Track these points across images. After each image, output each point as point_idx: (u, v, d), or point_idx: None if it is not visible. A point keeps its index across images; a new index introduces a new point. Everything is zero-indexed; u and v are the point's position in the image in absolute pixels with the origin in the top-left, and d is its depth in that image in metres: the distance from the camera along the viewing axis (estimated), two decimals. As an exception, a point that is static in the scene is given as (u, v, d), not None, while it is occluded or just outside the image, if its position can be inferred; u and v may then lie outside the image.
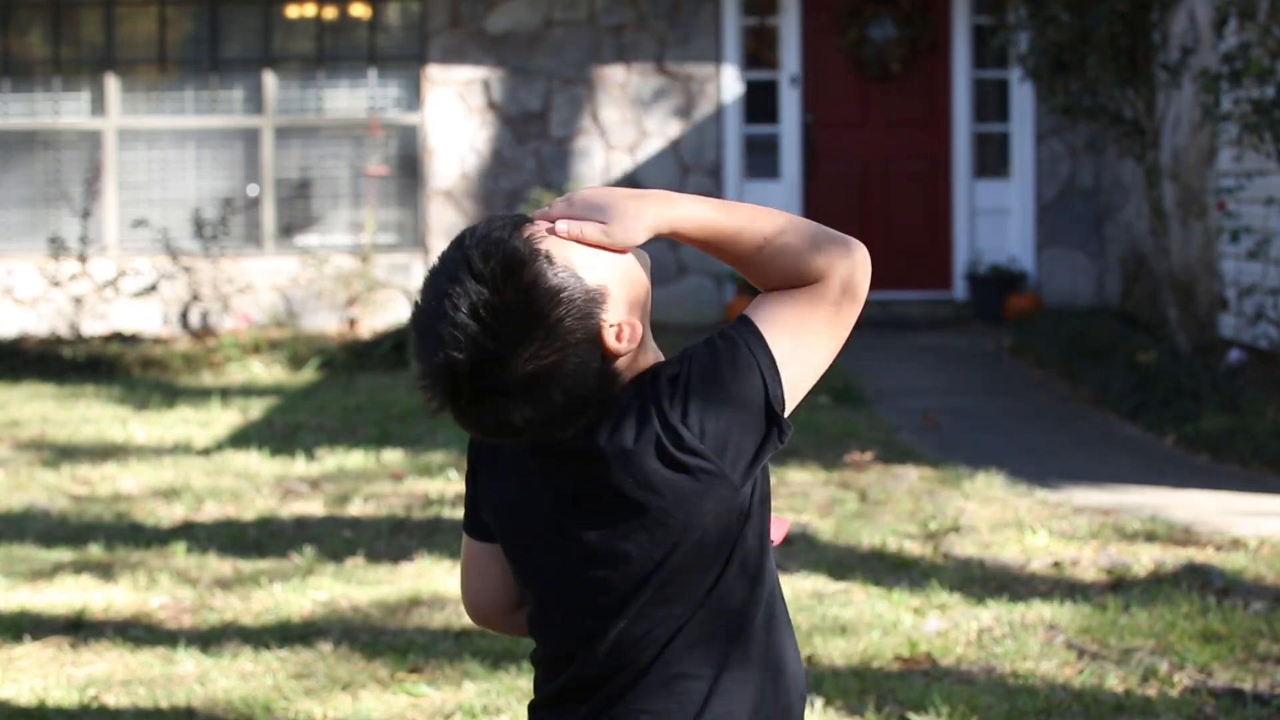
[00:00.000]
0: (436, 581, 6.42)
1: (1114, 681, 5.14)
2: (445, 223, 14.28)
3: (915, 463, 8.41)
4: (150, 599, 6.32)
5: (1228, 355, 10.66)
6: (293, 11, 14.55)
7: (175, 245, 13.71)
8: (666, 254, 13.90)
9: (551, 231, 2.28)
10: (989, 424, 9.77)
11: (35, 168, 14.48)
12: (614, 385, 2.30)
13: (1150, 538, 6.84)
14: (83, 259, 13.44)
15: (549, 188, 13.84)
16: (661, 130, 14.27)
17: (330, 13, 14.52)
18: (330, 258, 14.09)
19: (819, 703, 4.97)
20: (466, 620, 5.90)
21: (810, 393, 2.36)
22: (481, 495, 2.46)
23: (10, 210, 14.46)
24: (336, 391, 11.37)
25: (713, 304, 14.20)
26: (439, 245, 13.85)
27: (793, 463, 8.40)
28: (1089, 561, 6.48)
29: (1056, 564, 6.46)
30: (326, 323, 14.14)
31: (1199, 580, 6.14)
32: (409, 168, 14.42)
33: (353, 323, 13.96)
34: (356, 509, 7.73)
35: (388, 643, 5.68)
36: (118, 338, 13.45)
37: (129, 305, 13.88)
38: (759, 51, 14.50)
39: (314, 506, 7.83)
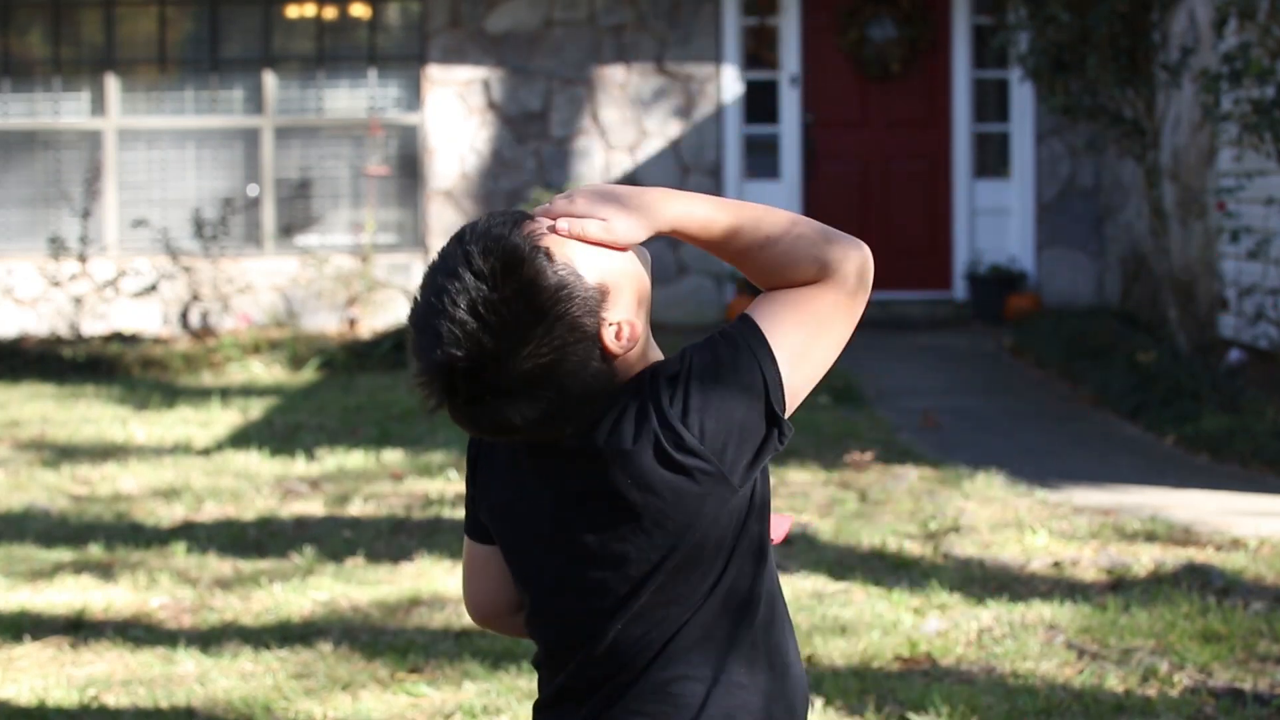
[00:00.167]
0: (436, 581, 6.42)
1: (1114, 681, 5.14)
2: (445, 223, 14.28)
3: (915, 463, 8.41)
4: (150, 599, 6.32)
5: (1228, 355, 10.66)
6: (293, 11, 14.55)
7: (175, 245, 13.71)
8: (666, 254, 13.90)
9: (552, 229, 2.27)
10: (989, 424, 9.77)
11: (35, 168, 14.48)
12: (612, 384, 2.28)
13: (1150, 538, 6.84)
14: (83, 259, 13.44)
15: (549, 188, 13.84)
16: (661, 130, 14.27)
17: (330, 13, 14.52)
18: (330, 258, 14.09)
19: (819, 703, 4.97)
20: (466, 620, 5.90)
21: (810, 393, 2.34)
22: (480, 496, 2.45)
23: (10, 210, 14.46)
24: (336, 391, 11.37)
25: (713, 304, 14.20)
26: (439, 245, 13.77)
27: (793, 463, 8.40)
28: (1089, 561, 6.48)
29: (1056, 564, 6.46)
30: (326, 323, 14.14)
31: (1199, 580, 6.14)
32: (409, 168, 14.42)
33: (353, 323, 13.96)
34: (356, 509, 7.73)
35: (388, 643, 5.68)
36: (118, 338, 13.45)
37: (129, 305, 13.88)
38: (759, 51, 14.50)
39: (314, 506, 7.83)
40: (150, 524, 7.53)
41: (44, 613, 6.17)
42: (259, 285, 14.23)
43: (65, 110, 14.49)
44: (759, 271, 2.34)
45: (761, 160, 14.43)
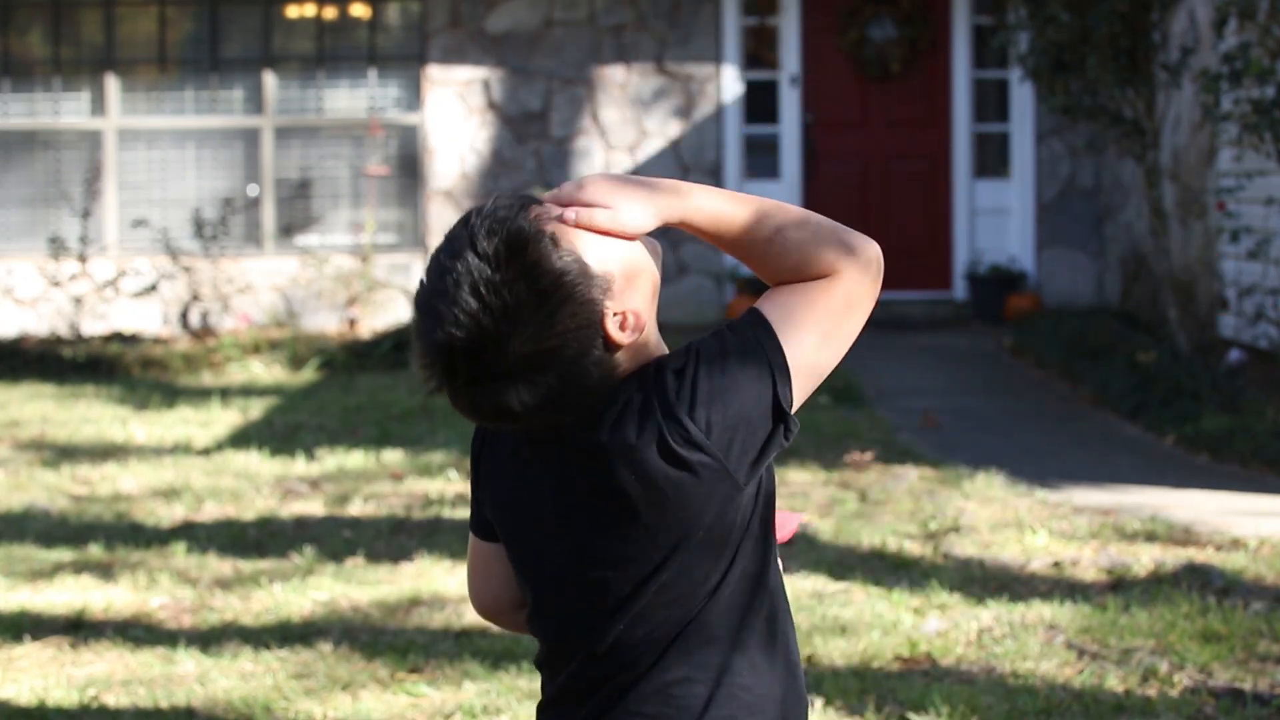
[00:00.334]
0: (436, 581, 6.42)
1: (1114, 681, 5.14)
2: (445, 223, 14.27)
3: (915, 463, 8.41)
4: (150, 599, 6.32)
5: (1228, 355, 10.66)
6: (293, 11, 14.55)
7: (175, 245, 13.71)
8: (666, 254, 13.84)
9: (560, 219, 2.25)
10: (989, 424, 9.77)
11: (35, 168, 14.48)
12: (615, 375, 2.26)
13: (1150, 538, 6.84)
14: (83, 259, 13.44)
15: (549, 188, 13.81)
16: (661, 130, 14.27)
17: (330, 13, 14.52)
18: (330, 258, 14.09)
19: (819, 703, 4.97)
20: (467, 620, 5.90)
21: (811, 393, 2.34)
22: (483, 493, 2.44)
23: (10, 210, 14.46)
24: (336, 391, 11.37)
25: (713, 304, 14.20)
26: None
27: (793, 463, 8.40)
28: (1089, 561, 6.48)
29: (1056, 564, 6.46)
30: (326, 323, 14.14)
31: (1199, 580, 6.14)
32: (409, 168, 14.42)
33: (353, 323, 13.96)
34: (356, 509, 7.73)
35: (388, 643, 5.68)
36: (118, 338, 13.45)
37: (129, 305, 13.88)
38: (759, 51, 14.50)
39: (314, 506, 7.83)
40: (150, 524, 7.53)
41: (44, 613, 6.17)
42: (259, 285, 14.23)
43: (65, 110, 14.49)
44: (767, 266, 2.31)
45: (761, 160, 14.42)
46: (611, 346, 2.25)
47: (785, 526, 2.51)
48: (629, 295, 2.27)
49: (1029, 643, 5.51)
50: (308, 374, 12.39)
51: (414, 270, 14.20)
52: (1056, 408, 10.35)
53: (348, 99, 14.50)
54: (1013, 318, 13.59)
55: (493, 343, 2.20)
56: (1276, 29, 9.32)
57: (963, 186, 14.36)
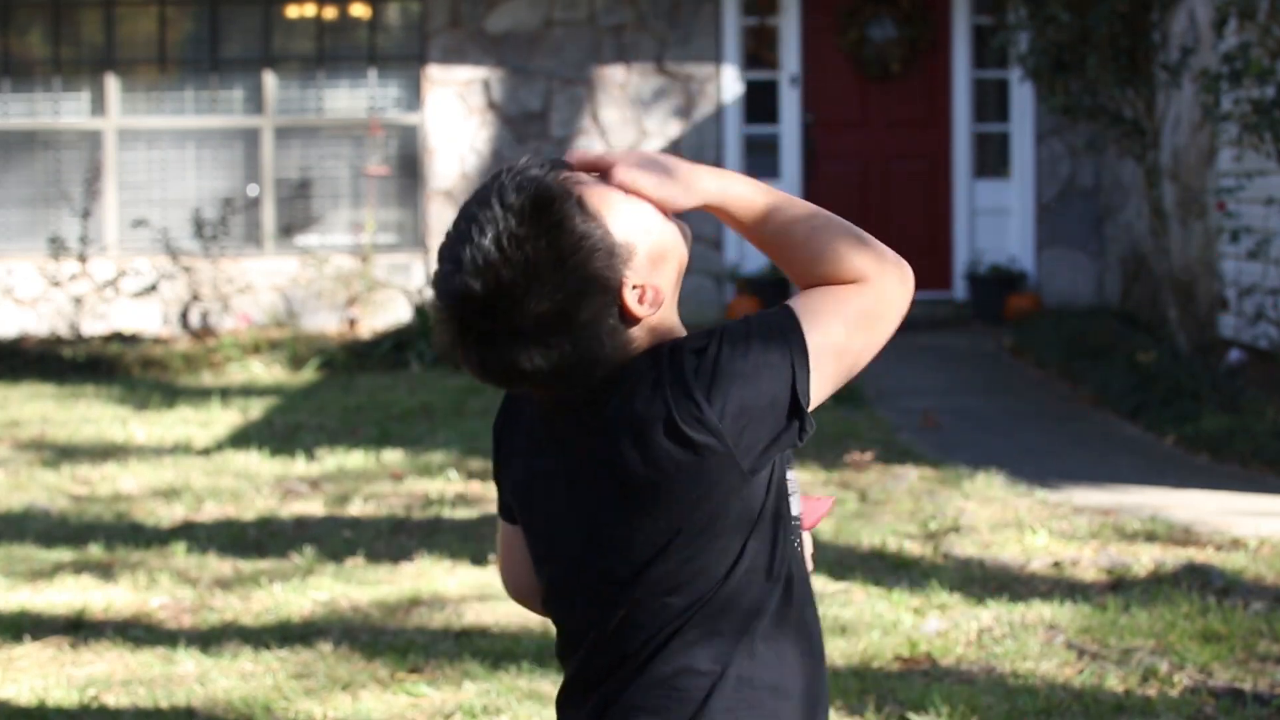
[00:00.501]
0: (436, 581, 6.42)
1: (1114, 681, 5.14)
2: (445, 223, 14.27)
3: (915, 463, 8.41)
4: (150, 599, 6.32)
5: (1228, 355, 10.66)
6: (293, 11, 14.55)
7: (175, 245, 13.71)
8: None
9: (604, 175, 2.27)
10: (989, 424, 9.77)
11: (35, 168, 14.48)
12: (628, 350, 2.26)
13: (1150, 538, 6.84)
14: (83, 259, 13.44)
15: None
16: (661, 130, 14.27)
17: (330, 13, 14.52)
18: (330, 258, 14.09)
19: (819, 703, 4.97)
20: (467, 620, 5.91)
21: (827, 397, 2.31)
22: (503, 475, 2.44)
23: (10, 210, 14.46)
24: (336, 391, 11.37)
25: (713, 304, 14.20)
26: (439, 245, 13.84)
27: (793, 462, 8.39)
28: (1089, 561, 6.48)
29: (1056, 564, 6.46)
30: (326, 323, 14.14)
31: (1199, 580, 6.14)
32: (409, 168, 14.42)
33: (353, 323, 13.96)
34: (356, 509, 7.73)
35: (388, 643, 5.68)
36: (118, 338, 13.45)
37: (129, 305, 13.88)
38: (759, 51, 14.50)
39: (314, 506, 7.83)
40: (150, 524, 7.53)
41: (44, 613, 6.17)
42: (259, 285, 14.23)
43: (65, 110, 14.49)
44: (797, 267, 2.31)
45: (761, 160, 14.42)
46: (628, 319, 2.25)
47: (814, 512, 2.48)
48: (652, 272, 2.27)
49: (1029, 643, 5.51)
50: (308, 374, 12.39)
51: (414, 270, 14.20)
52: (1056, 408, 10.35)
53: (348, 99, 14.50)
54: (1013, 318, 13.59)
55: (508, 298, 2.21)
56: (1276, 29, 9.32)
57: (963, 186, 14.36)
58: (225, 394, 11.31)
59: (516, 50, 14.30)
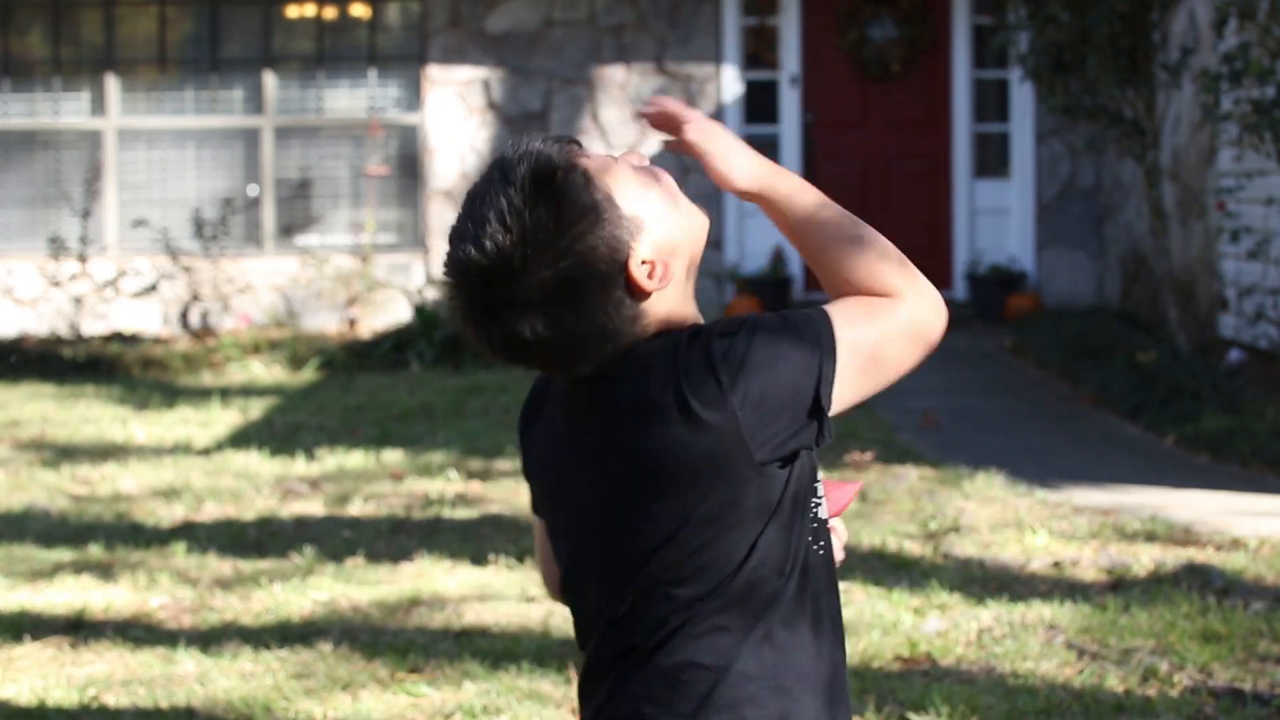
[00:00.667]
0: (436, 581, 6.42)
1: (1114, 681, 5.14)
2: (445, 223, 14.27)
3: (915, 463, 8.41)
4: (150, 599, 6.32)
5: (1228, 355, 10.66)
6: (293, 11, 14.55)
7: (175, 245, 13.71)
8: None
9: (675, 129, 2.30)
10: (989, 424, 9.77)
11: (35, 168, 14.48)
12: (637, 327, 2.25)
13: (1150, 538, 6.84)
14: (83, 259, 13.45)
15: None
16: (661, 130, 14.25)
17: (330, 13, 14.52)
18: (330, 258, 14.09)
19: (819, 703, 4.96)
20: (467, 620, 5.91)
21: (850, 406, 2.28)
22: (529, 467, 2.44)
23: (10, 210, 14.46)
24: (336, 391, 11.37)
25: (713, 304, 14.19)
26: (439, 245, 13.86)
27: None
28: (1089, 561, 6.48)
29: (1056, 564, 6.46)
30: (326, 323, 14.14)
31: (1199, 580, 6.14)
32: (409, 168, 14.42)
33: (353, 323, 13.97)
34: (356, 509, 7.73)
35: (388, 643, 5.68)
36: (118, 338, 13.45)
37: (129, 305, 13.88)
38: (759, 51, 14.50)
39: (314, 506, 7.83)
40: (150, 524, 7.53)
41: (44, 613, 6.17)
42: (259, 285, 14.23)
43: (65, 110, 14.49)
44: (831, 272, 2.31)
45: (761, 160, 14.41)
46: (636, 293, 2.25)
47: (839, 500, 2.45)
48: (659, 246, 2.27)
49: (1029, 643, 5.51)
50: (308, 374, 12.39)
51: (414, 270, 14.20)
52: (1056, 408, 10.35)
53: (348, 99, 14.50)
54: (1013, 318, 13.59)
55: (508, 266, 2.22)
56: (1276, 29, 9.32)
57: (963, 186, 14.36)
58: (225, 394, 11.32)
59: (516, 50, 14.31)
